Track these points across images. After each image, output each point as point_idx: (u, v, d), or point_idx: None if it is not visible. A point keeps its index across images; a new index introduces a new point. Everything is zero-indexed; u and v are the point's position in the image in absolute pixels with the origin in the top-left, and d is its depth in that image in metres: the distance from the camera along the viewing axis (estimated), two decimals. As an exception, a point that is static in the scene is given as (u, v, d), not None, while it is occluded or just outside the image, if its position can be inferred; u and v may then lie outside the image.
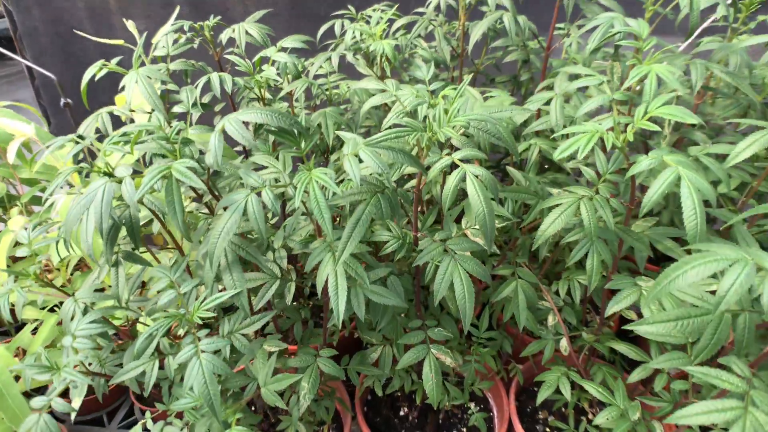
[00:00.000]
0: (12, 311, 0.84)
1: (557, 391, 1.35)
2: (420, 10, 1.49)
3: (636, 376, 1.05)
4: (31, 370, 0.74)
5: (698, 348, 0.67)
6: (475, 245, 0.90)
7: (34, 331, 1.31)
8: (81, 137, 0.91)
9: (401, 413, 1.50)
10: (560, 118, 0.94)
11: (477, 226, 0.87)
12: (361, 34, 1.35)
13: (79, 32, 1.33)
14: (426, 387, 1.05)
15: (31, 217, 1.35)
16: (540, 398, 1.10)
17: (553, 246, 1.25)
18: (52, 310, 1.43)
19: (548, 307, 1.23)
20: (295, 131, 0.75)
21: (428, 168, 0.76)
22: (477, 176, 0.70)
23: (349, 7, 1.52)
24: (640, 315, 1.28)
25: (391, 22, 1.45)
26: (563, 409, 1.45)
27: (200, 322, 0.72)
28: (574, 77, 0.93)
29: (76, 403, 0.86)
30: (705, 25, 1.24)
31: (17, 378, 1.13)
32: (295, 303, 1.32)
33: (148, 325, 1.00)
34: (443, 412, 1.48)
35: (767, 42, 1.12)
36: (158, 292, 0.77)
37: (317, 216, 0.67)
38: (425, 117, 0.83)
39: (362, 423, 1.39)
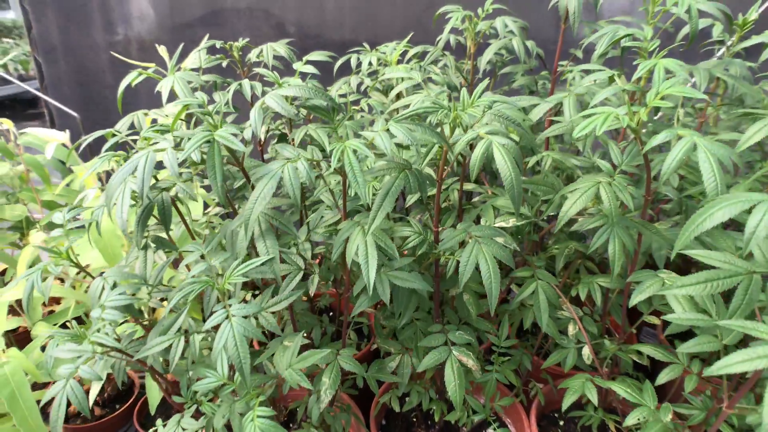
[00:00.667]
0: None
1: (581, 407, 1.32)
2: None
3: (665, 376, 1.03)
4: (59, 338, 0.73)
5: (731, 309, 0.68)
6: (497, 232, 0.92)
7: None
8: (116, 133, 0.96)
9: (417, 438, 1.44)
10: (574, 114, 0.99)
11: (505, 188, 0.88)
12: (378, 60, 1.45)
13: (117, 55, 1.42)
14: (449, 389, 1.03)
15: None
16: (565, 404, 1.07)
17: (570, 258, 1.26)
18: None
19: (568, 317, 1.22)
20: (327, 104, 0.79)
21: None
22: (503, 145, 0.73)
23: (364, 43, 1.63)
24: (664, 325, 1.26)
25: (403, 54, 1.55)
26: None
27: (231, 289, 0.72)
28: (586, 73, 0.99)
29: (94, 390, 0.84)
30: (704, 48, 1.32)
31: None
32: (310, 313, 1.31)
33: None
34: (461, 438, 1.42)
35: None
36: (188, 265, 0.78)
37: (351, 179, 0.70)
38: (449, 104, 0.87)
39: (378, 443, 1.34)
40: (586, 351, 1.17)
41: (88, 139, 0.98)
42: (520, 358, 1.33)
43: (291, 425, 1.35)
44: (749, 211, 0.58)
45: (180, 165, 0.85)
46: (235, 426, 0.85)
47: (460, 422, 1.29)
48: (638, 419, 0.98)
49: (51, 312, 1.52)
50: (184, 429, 0.87)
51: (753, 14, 1.16)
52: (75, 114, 2.10)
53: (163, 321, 0.82)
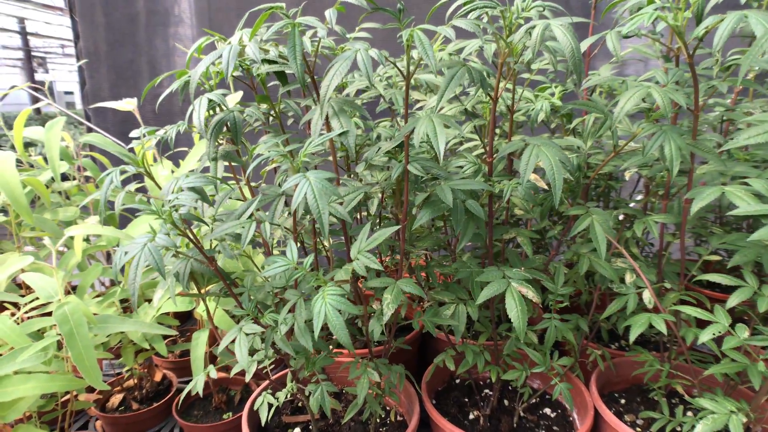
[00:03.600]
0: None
1: (644, 392, 1.24)
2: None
3: (735, 299, 0.99)
4: (142, 218, 0.75)
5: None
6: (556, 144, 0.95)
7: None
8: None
9: (470, 417, 1.36)
10: (617, 46, 1.05)
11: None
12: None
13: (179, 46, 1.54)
14: (511, 316, 1.00)
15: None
16: (632, 336, 1.02)
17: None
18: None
19: (623, 267, 1.20)
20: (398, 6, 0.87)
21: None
22: (561, 24, 0.79)
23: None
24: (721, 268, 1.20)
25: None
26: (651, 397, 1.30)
27: (308, 161, 0.76)
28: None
29: (157, 295, 0.84)
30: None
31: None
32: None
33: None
34: (517, 416, 1.34)
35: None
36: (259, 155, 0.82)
37: (421, 51, 0.76)
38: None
39: (431, 409, 1.26)
40: (647, 294, 1.13)
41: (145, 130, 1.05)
42: (576, 321, 1.29)
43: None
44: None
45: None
46: (299, 321, 0.84)
47: (519, 382, 1.23)
48: (713, 334, 0.93)
49: (98, 296, 1.54)
50: (247, 333, 0.86)
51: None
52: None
53: (236, 211, 0.84)
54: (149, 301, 1.68)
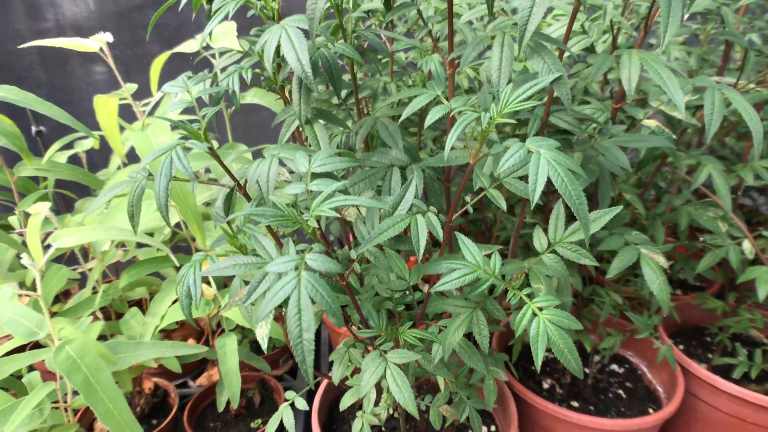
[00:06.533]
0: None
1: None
2: None
3: None
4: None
5: None
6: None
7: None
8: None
9: (545, 386, 1.26)
10: None
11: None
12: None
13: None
14: (654, 288, 0.87)
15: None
16: (762, 295, 0.95)
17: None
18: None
19: (712, 215, 1.11)
20: None
21: None
22: None
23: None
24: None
25: None
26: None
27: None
28: None
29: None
30: None
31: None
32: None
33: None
34: (591, 378, 1.26)
35: None
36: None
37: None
38: None
39: (516, 383, 1.13)
40: (747, 245, 1.06)
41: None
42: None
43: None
44: None
45: None
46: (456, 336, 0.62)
47: (614, 350, 1.13)
48: None
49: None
50: (396, 363, 0.63)
51: None
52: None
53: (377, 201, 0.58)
54: (134, 305, 1.33)
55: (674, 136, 0.95)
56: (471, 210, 0.63)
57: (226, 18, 0.63)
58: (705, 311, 1.32)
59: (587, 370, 1.27)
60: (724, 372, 1.23)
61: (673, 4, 0.60)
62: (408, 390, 0.61)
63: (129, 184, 0.62)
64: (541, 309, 0.57)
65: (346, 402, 0.76)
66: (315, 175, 0.52)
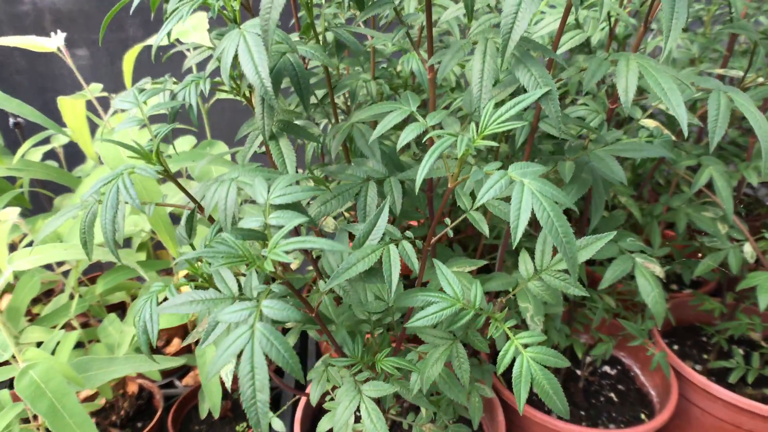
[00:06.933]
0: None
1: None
2: None
3: None
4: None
5: None
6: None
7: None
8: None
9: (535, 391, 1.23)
10: None
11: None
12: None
13: None
14: (648, 300, 0.83)
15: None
16: (763, 305, 0.91)
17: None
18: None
19: (711, 216, 1.06)
20: None
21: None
22: None
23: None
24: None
25: None
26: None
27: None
28: None
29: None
30: None
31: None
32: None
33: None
34: (583, 381, 1.23)
35: None
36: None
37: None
38: None
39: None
40: (748, 248, 1.02)
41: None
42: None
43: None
44: None
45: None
46: (435, 369, 0.59)
47: (606, 356, 1.10)
48: None
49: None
50: (371, 397, 0.59)
51: None
52: None
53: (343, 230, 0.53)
54: (116, 307, 1.29)
55: (674, 138, 0.90)
56: (451, 233, 0.58)
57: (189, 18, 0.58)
58: (701, 310, 1.28)
59: (579, 373, 1.24)
60: (721, 375, 1.21)
61: (677, 4, 0.54)
62: (383, 426, 0.57)
63: (81, 208, 0.57)
64: (525, 346, 0.52)
65: (323, 426, 0.73)
66: (275, 207, 0.47)
